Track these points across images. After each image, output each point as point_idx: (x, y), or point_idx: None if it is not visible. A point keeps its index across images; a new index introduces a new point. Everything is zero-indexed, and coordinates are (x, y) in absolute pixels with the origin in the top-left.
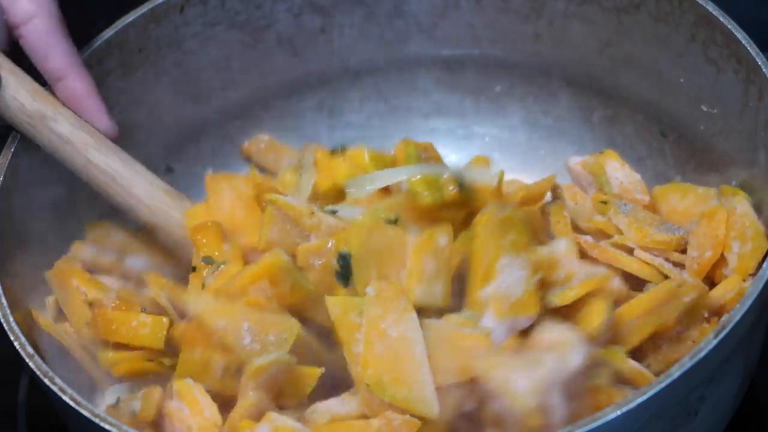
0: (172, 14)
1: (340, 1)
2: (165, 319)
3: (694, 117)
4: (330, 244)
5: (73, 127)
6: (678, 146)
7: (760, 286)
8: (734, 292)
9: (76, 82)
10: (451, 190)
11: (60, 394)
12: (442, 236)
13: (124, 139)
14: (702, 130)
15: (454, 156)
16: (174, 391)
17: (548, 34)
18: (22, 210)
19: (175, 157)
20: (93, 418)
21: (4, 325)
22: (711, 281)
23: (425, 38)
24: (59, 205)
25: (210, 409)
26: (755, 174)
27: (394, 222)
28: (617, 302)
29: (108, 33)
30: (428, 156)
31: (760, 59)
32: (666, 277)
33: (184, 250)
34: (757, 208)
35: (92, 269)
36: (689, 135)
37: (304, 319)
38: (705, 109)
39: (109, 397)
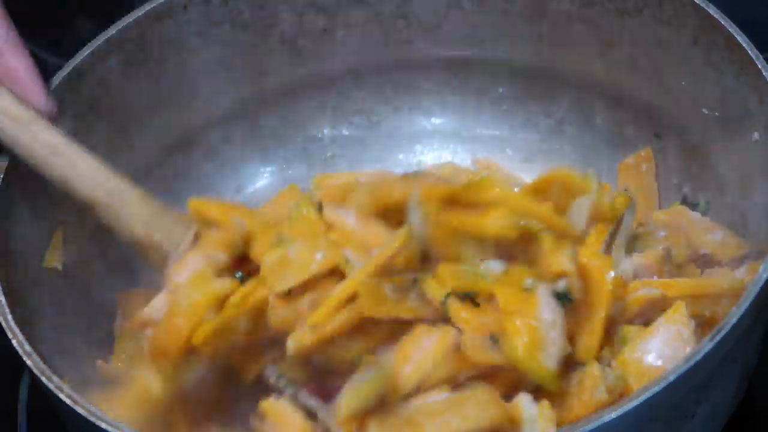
0: (175, 13)
1: (343, 2)
2: None
3: (696, 120)
4: None
5: (15, 103)
6: (679, 148)
7: (757, 288)
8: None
9: (12, 59)
10: None
11: (57, 392)
12: None
13: (125, 138)
14: (703, 132)
15: (455, 157)
16: (261, 413)
17: (551, 35)
18: (23, 209)
19: (177, 156)
20: (89, 417)
21: (3, 323)
22: None
23: (428, 39)
24: (60, 204)
25: (302, 421)
26: (755, 177)
27: None
28: None
29: (111, 31)
30: None
31: (760, 63)
32: None
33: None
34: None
35: None
36: (691, 138)
37: None
38: (706, 112)
39: None
